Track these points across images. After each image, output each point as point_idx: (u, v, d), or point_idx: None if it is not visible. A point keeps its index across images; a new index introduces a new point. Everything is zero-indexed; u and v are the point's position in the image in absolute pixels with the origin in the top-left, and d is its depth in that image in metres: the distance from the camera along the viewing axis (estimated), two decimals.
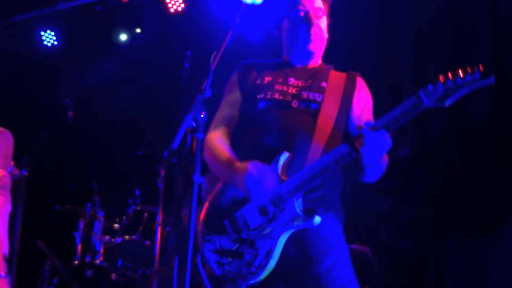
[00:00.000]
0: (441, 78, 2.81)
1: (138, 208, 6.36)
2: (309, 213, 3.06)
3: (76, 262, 6.30)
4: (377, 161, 2.93)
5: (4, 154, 5.45)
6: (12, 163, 5.47)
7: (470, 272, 5.50)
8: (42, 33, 7.95)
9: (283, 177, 3.09)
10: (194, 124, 3.06)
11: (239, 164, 3.15)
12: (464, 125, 5.52)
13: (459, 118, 5.51)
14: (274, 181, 3.08)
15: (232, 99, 3.47)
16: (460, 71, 2.77)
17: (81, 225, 6.53)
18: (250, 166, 3.06)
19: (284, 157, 3.13)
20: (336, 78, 3.40)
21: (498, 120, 5.37)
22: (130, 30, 7.78)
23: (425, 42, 5.92)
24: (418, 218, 5.82)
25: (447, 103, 2.79)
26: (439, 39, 5.81)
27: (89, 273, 6.08)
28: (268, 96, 3.34)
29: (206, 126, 3.14)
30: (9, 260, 5.26)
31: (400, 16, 6.07)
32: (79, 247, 6.50)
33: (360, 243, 5.36)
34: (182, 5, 7.23)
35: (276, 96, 3.33)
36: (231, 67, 3.54)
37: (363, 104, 3.38)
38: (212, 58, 3.15)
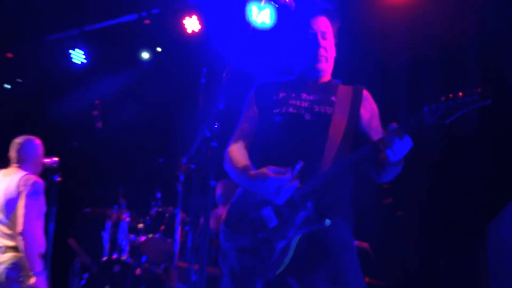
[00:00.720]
0: (443, 98, 2.83)
1: (160, 209, 6.39)
2: (321, 216, 3.07)
3: (104, 258, 6.30)
4: (399, 159, 2.97)
5: (34, 160, 5.47)
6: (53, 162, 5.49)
7: (460, 265, 5.50)
8: (71, 51, 7.96)
9: (298, 184, 3.11)
10: (209, 134, 3.08)
11: (257, 171, 3.16)
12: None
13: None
14: (289, 183, 3.09)
15: (250, 114, 3.47)
16: (460, 93, 2.79)
17: (109, 225, 6.55)
18: (268, 170, 3.07)
19: (298, 165, 3.12)
20: (344, 92, 3.40)
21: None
22: (151, 49, 7.80)
23: (418, 63, 5.96)
24: (411, 218, 5.84)
25: (448, 121, 2.82)
26: (430, 61, 5.86)
27: (116, 268, 6.09)
28: (283, 111, 3.34)
29: (219, 136, 3.15)
30: (44, 257, 5.28)
31: (395, 42, 6.11)
32: (107, 245, 6.51)
33: (360, 240, 5.37)
34: (199, 26, 7.24)
35: (291, 110, 3.33)
36: (243, 83, 3.54)
37: (370, 113, 3.38)
38: (224, 74, 3.16)
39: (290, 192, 3.07)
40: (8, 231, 5.19)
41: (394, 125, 2.93)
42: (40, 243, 5.17)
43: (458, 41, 5.80)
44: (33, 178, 5.27)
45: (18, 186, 5.20)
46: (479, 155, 5.66)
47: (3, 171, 5.43)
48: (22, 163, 5.41)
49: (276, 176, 3.05)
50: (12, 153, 5.43)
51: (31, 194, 5.17)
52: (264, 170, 3.09)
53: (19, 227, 5.06)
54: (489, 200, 5.24)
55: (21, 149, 5.44)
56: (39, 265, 5.07)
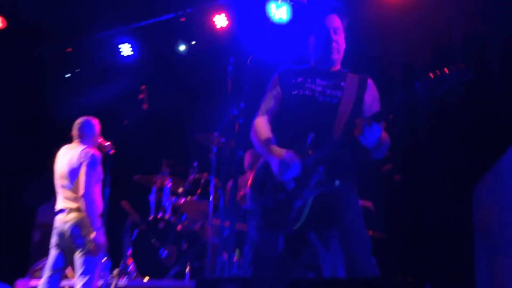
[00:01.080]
0: (431, 74, 2.85)
1: (196, 176, 6.42)
2: (331, 178, 3.10)
3: (151, 217, 6.36)
4: (373, 144, 3.01)
5: (92, 137, 5.53)
6: (107, 143, 5.55)
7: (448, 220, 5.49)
8: (120, 45, 7.98)
9: (310, 152, 3.13)
10: (236, 112, 3.10)
11: (275, 148, 3.22)
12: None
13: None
14: (299, 166, 3.12)
15: (274, 94, 3.49)
16: (446, 69, 2.82)
17: (154, 189, 6.60)
18: (284, 154, 3.15)
19: (311, 137, 3.18)
20: (351, 79, 3.43)
21: None
22: (187, 42, 7.79)
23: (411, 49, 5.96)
24: (407, 180, 5.83)
25: (436, 93, 2.85)
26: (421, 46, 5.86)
27: (161, 225, 6.15)
28: (301, 93, 3.38)
29: (244, 113, 3.17)
30: (102, 216, 5.34)
31: (392, 33, 6.10)
32: (153, 206, 6.57)
33: (365, 199, 5.38)
34: (226, 22, 7.23)
35: (307, 92, 3.37)
36: (263, 70, 3.56)
37: (372, 98, 3.40)
38: (248, 61, 3.19)
39: (292, 175, 3.13)
40: (72, 195, 5.26)
41: (366, 116, 2.99)
42: (98, 205, 5.23)
43: (444, 28, 5.77)
44: (92, 151, 5.33)
45: (79, 158, 5.26)
46: (464, 125, 5.63)
47: (67, 146, 5.49)
48: (82, 139, 5.46)
49: (286, 160, 3.12)
50: (74, 131, 5.50)
51: (90, 164, 5.23)
52: (281, 152, 3.15)
53: (81, 191, 5.13)
54: (475, 164, 5.19)
55: (81, 127, 5.50)
56: (98, 222, 5.13)
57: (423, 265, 5.65)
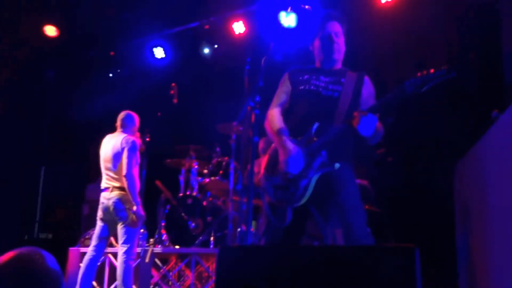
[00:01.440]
0: (419, 74, 2.85)
1: (219, 159, 6.41)
2: (332, 161, 3.09)
3: (181, 194, 6.37)
4: (369, 134, 3.01)
5: (132, 128, 5.57)
6: (140, 141, 5.57)
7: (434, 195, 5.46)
8: (154, 49, 7.98)
9: (315, 138, 3.13)
10: (252, 104, 3.08)
11: (286, 142, 3.22)
12: None
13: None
14: (304, 159, 3.13)
15: (285, 89, 3.51)
16: (432, 69, 2.83)
17: (183, 171, 6.62)
18: (293, 149, 3.16)
19: (315, 125, 3.18)
20: (350, 76, 3.43)
21: None
22: (210, 46, 7.77)
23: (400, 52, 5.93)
24: (398, 162, 5.81)
25: (423, 90, 2.86)
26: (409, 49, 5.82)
27: (189, 201, 6.16)
28: (307, 88, 3.39)
29: (260, 105, 3.15)
30: (140, 193, 5.38)
31: (385, 37, 6.05)
32: (182, 185, 6.59)
33: (362, 179, 5.36)
34: (244, 29, 7.20)
35: (312, 87, 3.38)
36: (275, 68, 3.55)
37: (368, 92, 3.41)
38: (262, 61, 3.18)
39: (296, 171, 3.12)
40: (115, 176, 5.30)
41: (362, 108, 3.05)
42: (137, 183, 5.26)
43: (430, 33, 5.72)
44: (132, 138, 5.37)
45: (122, 143, 5.31)
46: (446, 113, 5.58)
47: (110, 135, 5.54)
48: (124, 129, 5.50)
49: (293, 157, 3.13)
50: (118, 122, 5.55)
51: (131, 149, 5.27)
52: (289, 149, 3.17)
53: (124, 171, 5.17)
54: (458, 142, 5.14)
55: (124, 119, 5.55)
56: (137, 197, 5.17)
57: (412, 234, 5.62)
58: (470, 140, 4.26)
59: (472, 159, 4.03)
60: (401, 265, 1.86)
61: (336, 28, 3.47)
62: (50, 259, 1.97)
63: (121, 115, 5.59)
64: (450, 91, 5.27)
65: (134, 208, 5.10)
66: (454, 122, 5.46)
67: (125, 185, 5.16)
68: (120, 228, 5.20)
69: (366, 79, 3.46)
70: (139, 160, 5.41)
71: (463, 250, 4.36)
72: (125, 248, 5.13)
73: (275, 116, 3.41)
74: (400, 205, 5.89)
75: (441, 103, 5.50)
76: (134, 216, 5.11)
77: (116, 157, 5.30)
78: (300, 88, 3.40)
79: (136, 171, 5.29)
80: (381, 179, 5.86)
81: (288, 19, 6.22)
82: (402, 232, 5.70)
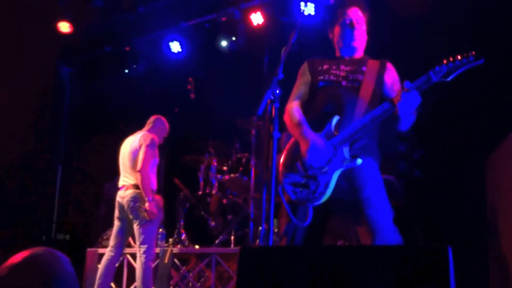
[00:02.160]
0: (445, 61, 2.79)
1: (239, 156, 6.38)
2: (354, 157, 3.04)
3: (200, 192, 6.35)
4: (410, 112, 2.94)
5: (162, 131, 5.58)
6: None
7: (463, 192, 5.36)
8: (170, 43, 7.97)
9: (335, 133, 3.09)
10: (272, 97, 3.04)
11: (308, 132, 3.16)
12: None
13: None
14: (327, 150, 3.06)
15: (304, 80, 3.44)
16: (458, 56, 2.76)
17: (202, 168, 6.59)
18: (312, 141, 3.09)
19: (335, 119, 3.13)
20: (372, 64, 3.34)
21: None
22: (228, 38, 7.73)
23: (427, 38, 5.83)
24: (424, 156, 5.73)
25: (449, 78, 2.79)
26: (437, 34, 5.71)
27: (208, 199, 6.14)
28: (326, 78, 3.31)
29: (280, 99, 3.11)
30: (157, 192, 5.38)
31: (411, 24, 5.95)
32: (201, 183, 6.57)
33: (387, 174, 5.29)
34: (262, 20, 7.15)
35: (332, 78, 3.30)
36: (295, 60, 3.50)
37: (392, 80, 3.32)
38: (282, 52, 3.14)
39: (318, 163, 3.07)
40: (131, 173, 5.33)
41: (408, 83, 2.90)
42: (152, 181, 5.27)
43: (458, 19, 5.61)
44: (151, 135, 5.39)
45: (140, 140, 5.35)
46: (477, 102, 5.46)
47: (132, 135, 5.58)
48: (149, 128, 5.55)
49: (314, 146, 3.07)
50: (148, 124, 5.62)
51: (149, 145, 5.29)
52: (311, 139, 3.10)
53: (138, 166, 5.20)
54: (489, 136, 5.03)
55: (154, 120, 5.65)
56: (150, 194, 5.16)
57: (441, 231, 5.53)
58: (502, 133, 4.16)
59: (506, 152, 3.93)
60: (434, 266, 1.79)
61: (358, 15, 3.40)
62: (65, 261, 1.96)
63: (153, 117, 5.66)
64: (480, 81, 5.16)
65: (146, 205, 5.08)
66: (484, 114, 5.34)
67: (139, 180, 5.16)
68: (136, 228, 5.19)
69: (389, 65, 3.37)
70: (157, 159, 5.42)
71: (494, 247, 4.27)
72: (143, 249, 5.13)
73: (294, 109, 3.35)
74: (428, 201, 5.80)
75: (471, 94, 5.39)
76: (145, 214, 5.09)
77: (134, 153, 5.34)
78: (320, 78, 3.34)
79: (152, 169, 5.29)
80: (408, 174, 5.79)
81: (307, 9, 6.19)
82: (431, 229, 5.61)
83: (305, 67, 3.48)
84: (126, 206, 5.24)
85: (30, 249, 1.95)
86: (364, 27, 3.42)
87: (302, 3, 6.09)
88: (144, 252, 5.13)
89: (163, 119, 5.68)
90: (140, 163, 5.18)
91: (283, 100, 3.40)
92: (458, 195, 5.46)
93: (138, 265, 5.15)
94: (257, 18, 7.18)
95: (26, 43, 7.54)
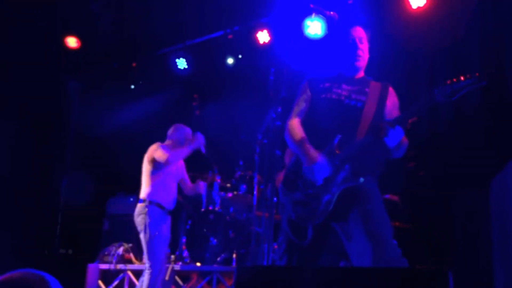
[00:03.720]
0: (448, 81, 2.79)
1: (242, 173, 6.36)
2: (356, 175, 3.01)
3: (203, 209, 6.32)
4: (395, 145, 2.95)
5: (182, 138, 5.52)
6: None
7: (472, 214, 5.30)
8: (177, 60, 7.98)
9: (337, 151, 3.06)
10: (274, 115, 3.03)
11: (310, 150, 3.13)
12: None
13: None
14: (329, 168, 3.05)
15: (305, 97, 3.41)
16: (462, 77, 2.76)
17: (205, 185, 6.54)
18: (318, 158, 3.08)
19: (337, 138, 3.11)
20: (374, 86, 3.34)
21: None
22: (234, 56, 7.75)
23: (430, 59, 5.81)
24: (430, 176, 5.68)
25: (454, 98, 2.80)
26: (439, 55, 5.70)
27: (211, 216, 6.11)
28: (328, 96, 3.29)
29: (281, 117, 3.09)
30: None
31: (412, 44, 5.93)
32: (204, 200, 6.52)
33: (392, 193, 5.24)
34: (268, 38, 7.16)
35: (334, 96, 3.29)
36: (299, 79, 3.49)
37: (393, 104, 3.33)
38: (285, 73, 3.15)
39: (321, 179, 3.04)
40: (142, 187, 5.29)
41: (389, 119, 2.98)
42: (154, 191, 5.24)
43: (460, 39, 5.59)
44: (157, 143, 5.33)
45: (148, 151, 5.28)
46: (483, 122, 5.42)
47: None
48: (165, 140, 5.46)
49: (319, 165, 3.05)
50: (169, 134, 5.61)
51: (156, 150, 5.27)
52: (314, 157, 3.07)
53: (162, 160, 5.24)
54: (493, 158, 4.98)
55: (168, 130, 5.55)
56: (149, 206, 5.14)
57: (445, 254, 5.46)
58: (508, 154, 4.11)
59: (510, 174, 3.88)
60: None
61: (360, 34, 3.40)
62: (54, 285, 1.91)
63: (173, 126, 5.65)
64: (484, 101, 5.13)
65: (144, 218, 5.04)
66: (488, 135, 5.30)
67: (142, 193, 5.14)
68: (143, 243, 5.15)
69: (391, 90, 3.39)
70: (169, 169, 5.35)
71: (500, 271, 4.19)
72: (147, 265, 5.07)
73: (295, 126, 3.32)
74: (432, 221, 5.74)
75: (475, 114, 5.35)
76: (142, 227, 5.06)
77: (143, 167, 5.33)
78: (321, 96, 3.32)
79: (171, 183, 5.25)
80: (412, 193, 5.74)
81: (314, 28, 6.18)
82: (435, 250, 5.54)
83: (306, 84, 3.47)
84: (135, 221, 5.22)
85: (19, 272, 1.91)
86: (366, 46, 3.42)
87: (308, 22, 6.09)
88: (149, 268, 5.07)
89: (177, 125, 5.63)
90: (160, 160, 5.11)
91: (285, 118, 3.40)
92: (461, 216, 5.40)
93: (144, 281, 5.05)
94: (263, 36, 7.19)
95: (33, 57, 7.56)
